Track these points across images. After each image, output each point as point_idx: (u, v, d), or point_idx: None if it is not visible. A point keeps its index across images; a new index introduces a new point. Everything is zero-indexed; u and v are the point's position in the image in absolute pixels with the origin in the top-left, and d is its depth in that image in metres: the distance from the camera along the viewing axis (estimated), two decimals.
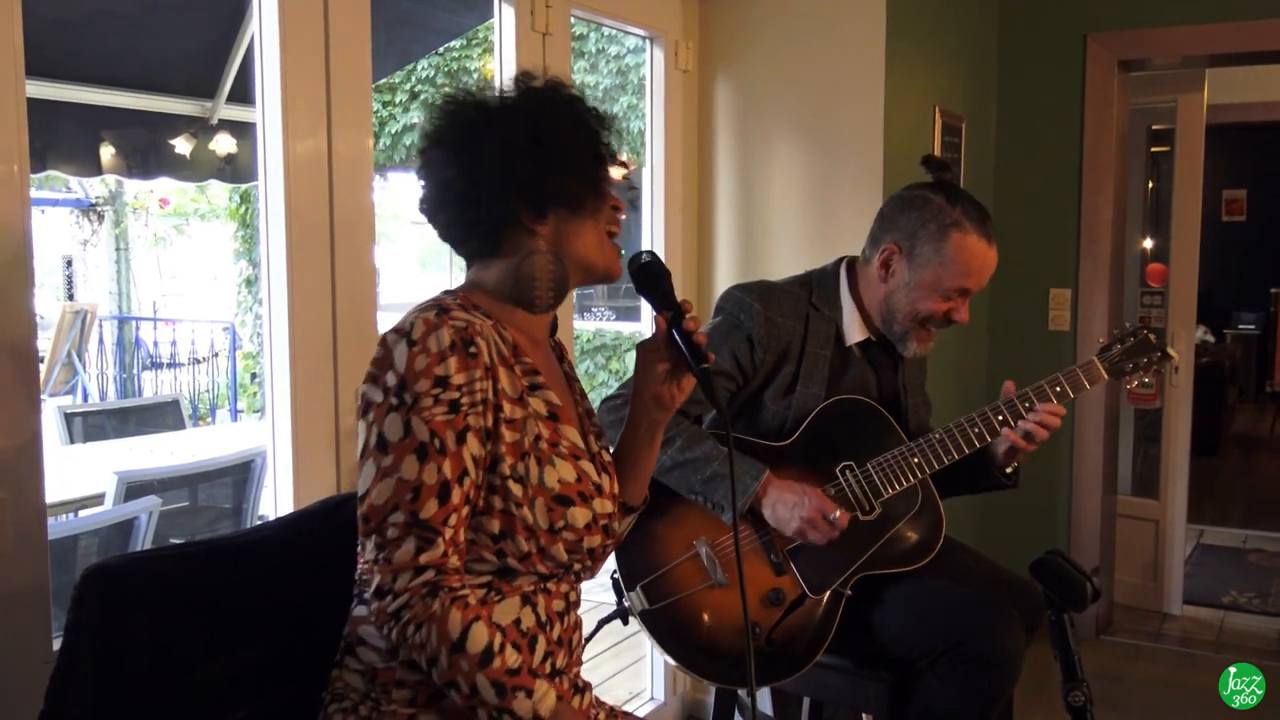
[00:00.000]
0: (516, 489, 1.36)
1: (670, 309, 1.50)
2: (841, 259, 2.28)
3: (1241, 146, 9.05)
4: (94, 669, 1.33)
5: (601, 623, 2.18)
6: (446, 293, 1.46)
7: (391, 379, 1.31)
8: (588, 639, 1.63)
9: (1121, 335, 2.25)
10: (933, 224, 2.10)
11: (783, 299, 2.19)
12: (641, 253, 1.56)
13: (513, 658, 1.28)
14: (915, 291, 2.13)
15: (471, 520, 1.35)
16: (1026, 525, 4.02)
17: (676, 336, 1.48)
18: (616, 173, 1.49)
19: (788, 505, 2.04)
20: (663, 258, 3.15)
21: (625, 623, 2.15)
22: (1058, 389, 2.15)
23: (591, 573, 1.51)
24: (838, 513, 2.04)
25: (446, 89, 1.55)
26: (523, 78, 1.46)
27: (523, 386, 1.40)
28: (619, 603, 2.13)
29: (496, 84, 1.51)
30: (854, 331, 2.22)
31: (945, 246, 2.09)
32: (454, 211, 1.44)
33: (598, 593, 2.55)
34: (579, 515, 1.40)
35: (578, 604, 1.52)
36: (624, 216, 1.51)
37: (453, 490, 1.30)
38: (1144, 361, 2.22)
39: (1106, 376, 2.20)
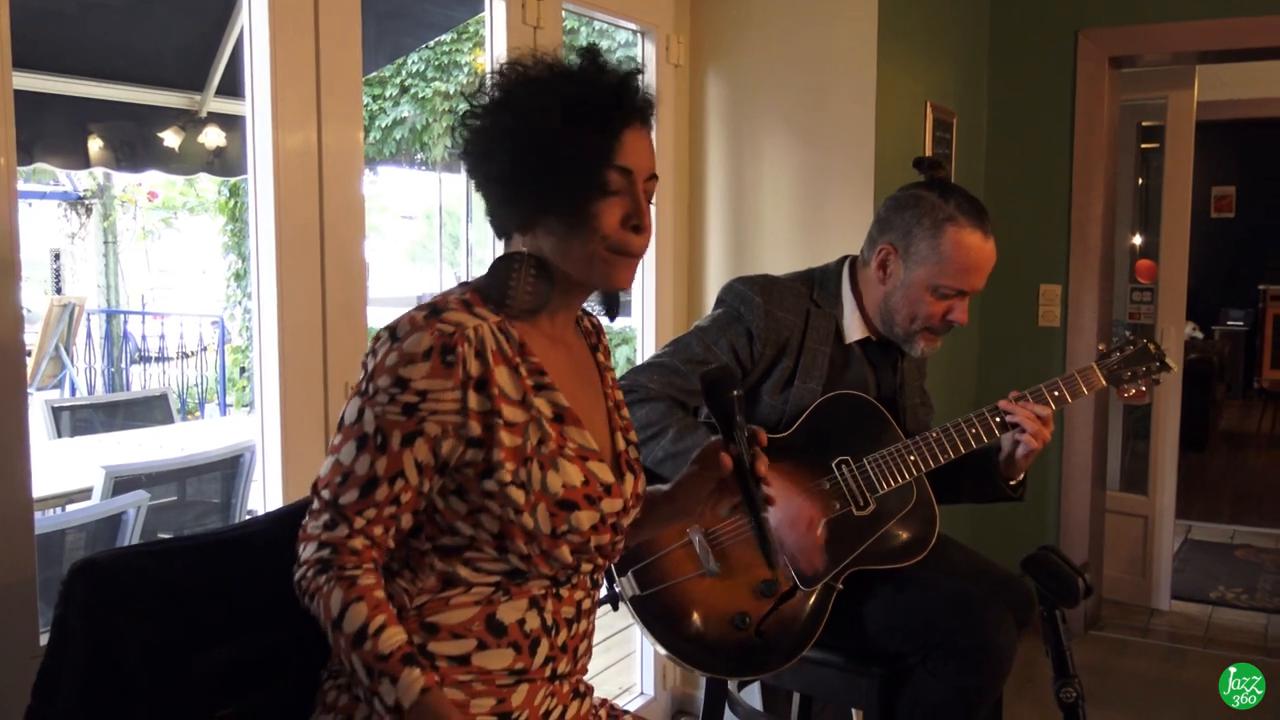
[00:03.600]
0: (518, 495, 1.32)
1: (736, 443, 1.43)
2: (845, 257, 2.28)
3: (1231, 143, 9.10)
4: (82, 665, 1.32)
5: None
6: (464, 284, 1.42)
7: (369, 366, 1.31)
8: None
9: (1122, 343, 2.25)
10: (927, 220, 2.09)
11: (784, 293, 2.19)
12: (714, 369, 1.48)
13: (388, 643, 1.25)
14: (912, 292, 2.12)
15: (469, 517, 1.34)
16: (1016, 521, 4.04)
17: (740, 480, 1.43)
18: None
19: (785, 524, 2.05)
20: (653, 255, 3.18)
21: (615, 608, 2.14)
22: (1055, 393, 2.16)
23: (603, 568, 1.48)
24: (819, 530, 2.06)
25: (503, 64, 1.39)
26: (510, 68, 1.37)
27: (527, 387, 1.35)
28: (610, 587, 2.13)
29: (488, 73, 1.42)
30: (854, 329, 2.22)
31: (941, 243, 2.08)
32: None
33: None
34: (584, 518, 1.36)
35: (591, 612, 1.49)
36: (643, 231, 1.37)
37: (379, 487, 1.28)
38: (1143, 371, 2.22)
39: (1104, 383, 2.20)
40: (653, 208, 1.41)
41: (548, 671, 1.41)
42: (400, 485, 1.29)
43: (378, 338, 1.32)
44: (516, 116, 1.34)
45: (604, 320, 1.55)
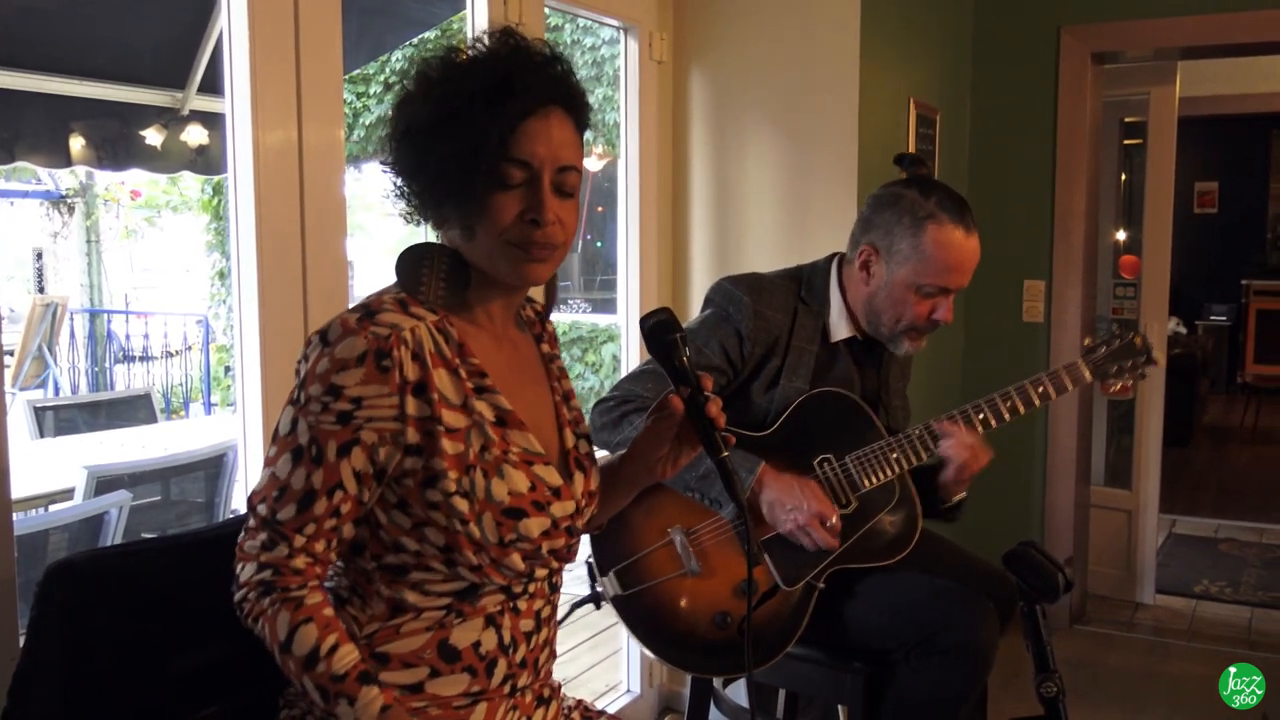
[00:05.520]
0: (462, 505, 1.27)
1: (686, 384, 1.39)
2: (834, 255, 2.26)
3: (1213, 139, 9.15)
4: (59, 667, 1.32)
5: (573, 606, 2.18)
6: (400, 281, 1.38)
7: (301, 373, 1.27)
8: (559, 621, 1.59)
9: (1108, 337, 2.23)
10: (907, 218, 2.07)
11: (773, 292, 2.18)
12: (654, 312, 1.44)
13: (342, 663, 1.23)
14: (896, 291, 2.10)
15: (414, 532, 1.30)
16: (1000, 516, 4.05)
17: (694, 420, 1.39)
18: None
19: (784, 507, 2.00)
20: (636, 252, 3.18)
21: (598, 607, 2.14)
22: (1040, 389, 2.15)
23: (560, 571, 1.45)
24: (835, 518, 2.01)
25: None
26: (419, 64, 1.33)
27: (468, 390, 1.31)
28: (592, 587, 2.12)
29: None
30: (840, 328, 2.20)
31: (922, 241, 2.06)
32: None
33: (572, 583, 2.54)
34: (534, 525, 1.32)
35: (552, 619, 1.45)
36: (542, 225, 1.29)
37: (317, 501, 1.24)
38: (1129, 365, 2.21)
39: (1090, 379, 2.19)
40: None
41: (507, 689, 1.37)
42: (339, 497, 1.25)
43: (309, 342, 1.27)
44: (398, 116, 1.32)
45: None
